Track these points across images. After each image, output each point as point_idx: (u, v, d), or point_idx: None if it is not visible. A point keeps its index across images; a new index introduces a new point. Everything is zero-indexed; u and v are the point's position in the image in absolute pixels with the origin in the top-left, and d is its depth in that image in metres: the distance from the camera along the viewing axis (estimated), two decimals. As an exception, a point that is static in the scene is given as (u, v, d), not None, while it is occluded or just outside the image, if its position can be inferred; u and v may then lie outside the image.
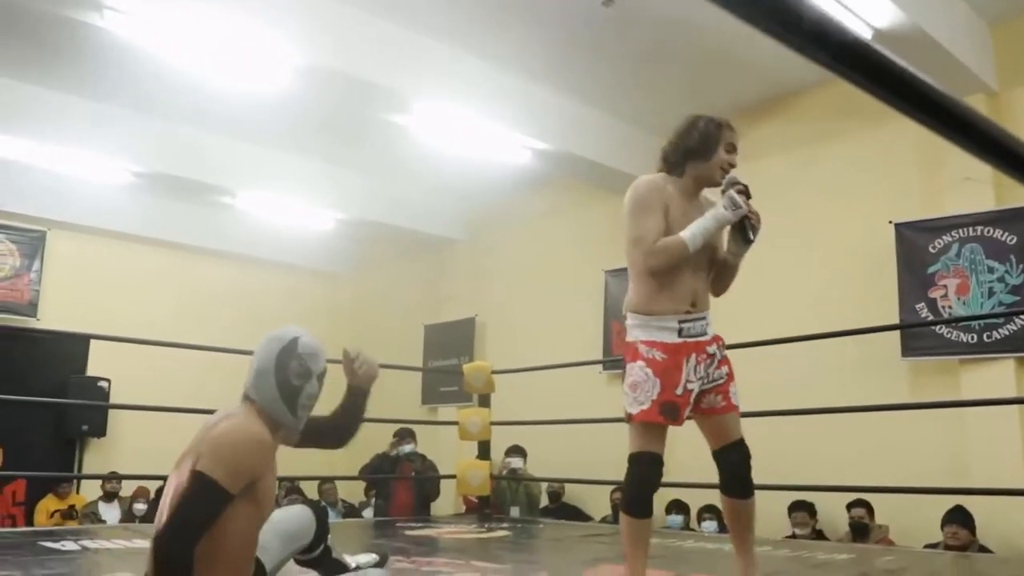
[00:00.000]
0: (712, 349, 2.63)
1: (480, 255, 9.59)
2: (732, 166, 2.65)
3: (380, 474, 6.98)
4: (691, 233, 2.53)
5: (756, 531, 5.28)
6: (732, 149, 2.65)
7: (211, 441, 2.06)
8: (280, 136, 7.71)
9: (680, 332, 2.56)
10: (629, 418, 2.56)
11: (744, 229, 2.62)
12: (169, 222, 9.01)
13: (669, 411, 2.52)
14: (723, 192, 2.62)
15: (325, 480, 8.21)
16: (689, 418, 2.65)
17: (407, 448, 6.95)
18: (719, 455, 2.71)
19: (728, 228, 2.66)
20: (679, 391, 2.53)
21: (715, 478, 5.90)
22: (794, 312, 6.12)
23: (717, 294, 2.80)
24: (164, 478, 7.01)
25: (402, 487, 6.94)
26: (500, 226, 9.36)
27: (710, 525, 6.18)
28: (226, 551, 2.04)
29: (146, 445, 8.29)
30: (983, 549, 4.95)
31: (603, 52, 6.16)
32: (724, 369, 2.66)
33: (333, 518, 7.81)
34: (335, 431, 2.61)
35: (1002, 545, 5.06)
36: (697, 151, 2.63)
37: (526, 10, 5.66)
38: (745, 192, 2.61)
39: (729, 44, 5.55)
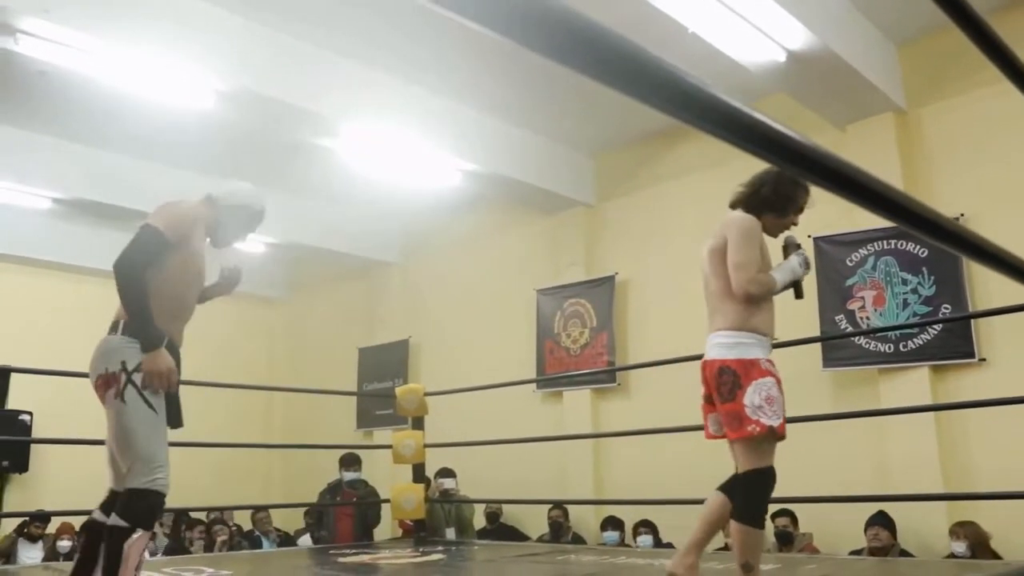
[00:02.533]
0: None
1: (413, 277, 9.58)
2: (795, 224, 2.96)
3: (324, 503, 6.90)
4: (778, 277, 2.85)
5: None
6: (800, 211, 2.94)
7: (159, 208, 2.85)
8: (206, 160, 7.59)
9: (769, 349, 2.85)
10: (768, 432, 2.71)
11: (798, 286, 2.94)
12: (91, 249, 8.75)
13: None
14: (784, 248, 2.95)
15: (259, 509, 8.06)
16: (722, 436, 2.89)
17: (351, 475, 6.88)
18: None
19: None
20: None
21: (648, 494, 5.97)
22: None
23: None
24: (90, 513, 6.62)
25: (344, 515, 6.85)
26: (433, 248, 9.36)
27: (645, 540, 6.23)
28: (167, 296, 2.76)
29: (71, 479, 8.05)
30: (904, 553, 5.10)
31: (531, 73, 6.23)
32: None
33: (267, 547, 7.70)
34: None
35: (921, 548, 5.22)
36: (775, 204, 2.90)
37: (452, 33, 5.70)
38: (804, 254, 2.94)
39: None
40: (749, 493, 2.74)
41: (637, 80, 0.59)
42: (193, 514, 7.68)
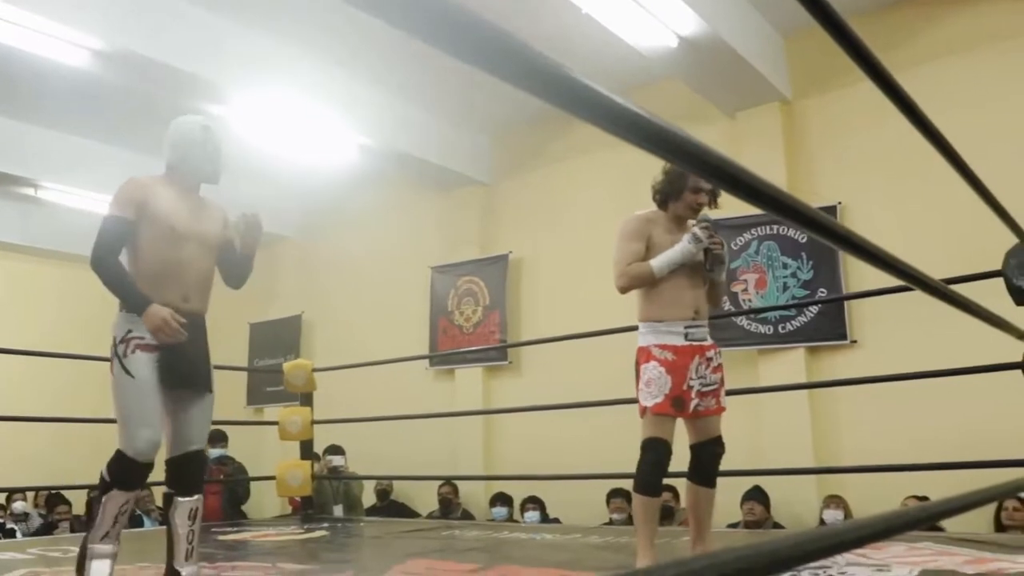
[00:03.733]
0: (711, 354, 3.03)
1: (309, 252, 9.40)
2: (700, 204, 3.05)
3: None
4: (659, 263, 2.97)
5: (576, 518, 5.47)
6: (696, 191, 3.03)
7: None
8: (84, 123, 7.25)
9: (686, 336, 2.98)
10: (643, 412, 2.95)
11: (707, 260, 3.04)
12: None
13: (678, 404, 2.92)
14: (693, 226, 3.05)
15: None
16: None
17: (217, 452, 6.74)
18: (697, 448, 3.05)
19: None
20: (685, 387, 2.93)
21: (537, 471, 6.04)
22: (602, 305, 6.36)
23: (714, 306, 3.27)
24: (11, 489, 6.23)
25: (210, 493, 6.69)
26: (329, 223, 9.20)
27: (532, 515, 6.32)
28: (147, 261, 2.81)
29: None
30: (776, 525, 5.33)
31: (430, 50, 6.14)
32: (718, 375, 3.05)
33: (149, 526, 7.46)
34: (234, 270, 3.19)
35: (793, 521, 5.46)
36: (670, 193, 3.08)
37: (350, 6, 5.57)
38: (709, 228, 3.01)
39: (552, 48, 5.69)
40: (639, 463, 2.96)
41: (520, 72, 0.60)
42: (66, 493, 7.39)
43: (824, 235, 1.08)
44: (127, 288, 2.76)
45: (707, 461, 3.06)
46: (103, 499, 2.72)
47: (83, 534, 2.83)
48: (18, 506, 7.52)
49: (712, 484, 3.09)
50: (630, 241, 3.03)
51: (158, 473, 2.86)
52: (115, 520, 2.73)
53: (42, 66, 5.59)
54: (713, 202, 3.08)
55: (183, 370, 2.83)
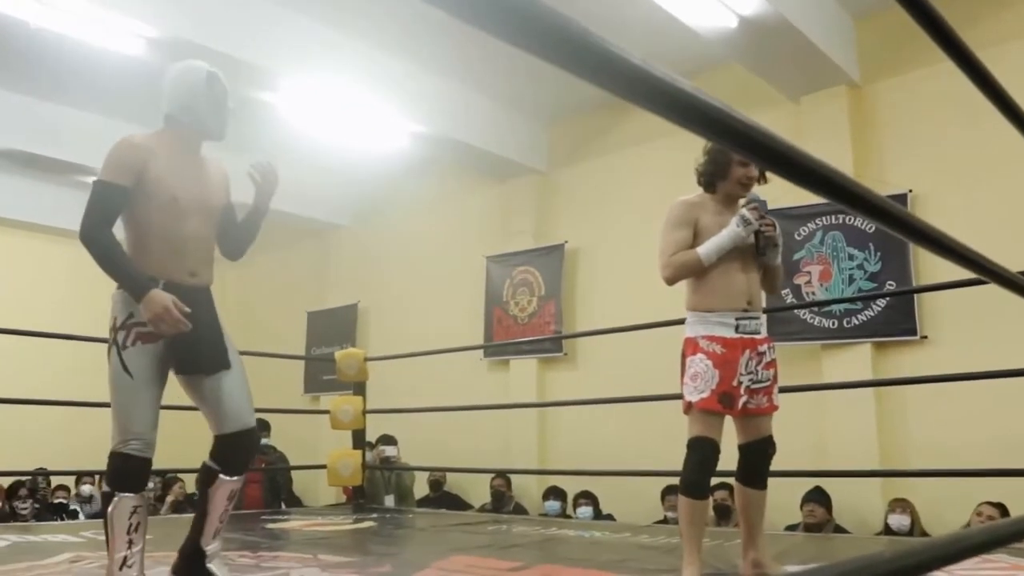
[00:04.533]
0: (763, 348, 2.84)
1: (364, 241, 9.40)
2: (751, 177, 2.86)
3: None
4: (706, 249, 2.80)
5: (629, 514, 5.33)
6: (745, 164, 2.85)
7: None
8: (139, 111, 7.29)
9: (737, 328, 2.80)
10: (689, 407, 2.79)
11: (758, 243, 2.85)
12: (26, 202, 8.48)
13: (727, 400, 2.74)
14: (742, 207, 2.86)
15: (171, 472, 7.81)
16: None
17: (260, 441, 6.77)
18: (746, 448, 2.89)
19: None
20: (735, 383, 2.75)
21: (591, 465, 5.92)
22: (660, 296, 6.19)
23: (770, 292, 3.11)
24: (25, 473, 6.52)
25: (251, 482, 6.73)
26: (384, 211, 9.19)
27: (585, 511, 6.20)
28: (147, 236, 2.54)
29: (2, 439, 7.85)
30: (839, 528, 5.11)
31: (483, 36, 6.04)
32: (771, 371, 2.86)
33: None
34: (236, 237, 2.91)
35: (857, 524, 5.23)
36: (716, 173, 2.89)
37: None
38: (759, 209, 2.83)
39: (608, 31, 5.54)
40: (684, 463, 2.80)
41: (575, 58, 0.57)
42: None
43: (895, 227, 1.01)
44: (123, 267, 2.47)
45: (756, 462, 2.88)
46: (109, 512, 2.47)
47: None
48: (85, 489, 7.68)
49: (763, 486, 2.91)
50: (675, 229, 2.86)
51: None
52: (129, 538, 2.46)
53: (97, 54, 5.66)
54: (763, 176, 2.89)
55: (197, 354, 2.59)
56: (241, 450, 2.72)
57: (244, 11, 5.57)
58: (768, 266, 2.95)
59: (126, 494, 2.47)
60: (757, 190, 2.93)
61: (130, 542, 2.46)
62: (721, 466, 2.83)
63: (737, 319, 2.80)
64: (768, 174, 2.90)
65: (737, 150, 0.74)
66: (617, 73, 0.59)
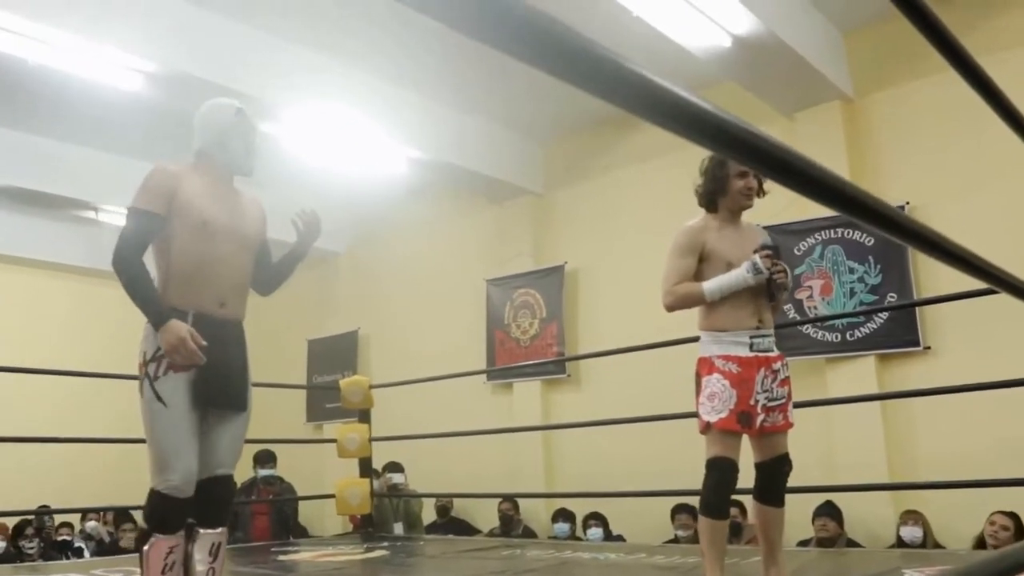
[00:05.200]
0: (777, 366, 2.87)
1: (362, 267, 9.41)
2: (750, 188, 2.90)
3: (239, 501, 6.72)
4: (712, 286, 2.82)
5: (640, 534, 5.31)
6: (743, 175, 2.89)
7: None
8: (137, 145, 7.34)
9: (751, 347, 2.82)
10: (707, 427, 2.79)
11: (770, 289, 2.88)
12: (26, 239, 8.45)
13: (745, 419, 2.75)
14: (754, 252, 2.86)
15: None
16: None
17: (265, 472, 6.72)
18: (762, 466, 2.90)
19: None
20: (752, 401, 2.76)
21: (599, 486, 5.91)
22: (662, 315, 6.21)
23: (774, 314, 3.07)
24: (22, 513, 6.39)
25: (259, 513, 6.68)
26: (382, 237, 9.20)
27: (595, 532, 6.18)
28: (176, 261, 2.53)
29: (4, 478, 7.80)
30: (851, 543, 5.10)
31: (479, 59, 6.10)
32: (785, 389, 2.88)
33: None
34: (269, 274, 2.95)
35: (868, 538, 5.23)
36: (716, 190, 2.93)
37: (397, 17, 5.55)
38: (772, 256, 2.84)
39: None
40: (703, 483, 2.82)
41: (579, 69, 0.57)
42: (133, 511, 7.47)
43: (903, 235, 1.00)
44: (147, 295, 2.47)
45: (774, 480, 2.90)
46: (145, 550, 2.44)
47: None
48: (90, 525, 7.63)
49: (780, 503, 2.93)
50: (680, 256, 2.90)
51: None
52: (169, 566, 2.44)
53: (95, 90, 5.68)
54: (761, 189, 2.94)
55: (218, 389, 2.55)
56: (217, 497, 2.60)
57: (242, 43, 5.62)
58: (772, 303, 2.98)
59: (163, 536, 2.44)
60: (758, 219, 2.98)
61: None
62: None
63: (751, 337, 2.83)
64: (767, 187, 2.95)
65: (745, 161, 0.74)
66: (625, 86, 0.59)
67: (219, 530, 2.60)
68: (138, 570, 2.52)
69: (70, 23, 4.81)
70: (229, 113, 2.72)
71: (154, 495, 2.45)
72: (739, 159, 0.74)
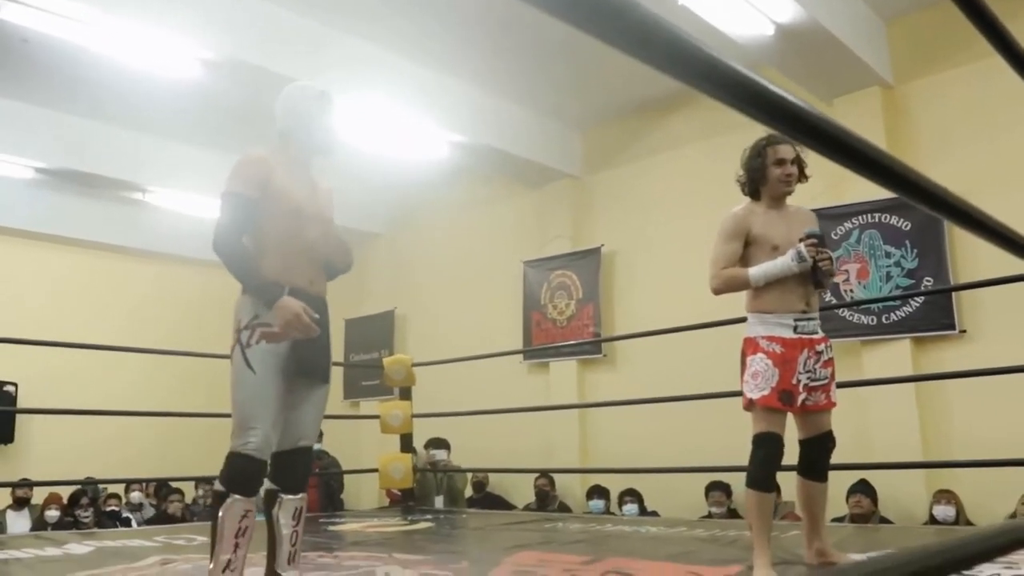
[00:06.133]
0: (821, 348, 2.96)
1: (400, 248, 9.58)
2: (788, 175, 2.98)
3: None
4: (758, 272, 2.92)
5: (674, 510, 5.43)
6: (780, 163, 2.98)
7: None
8: (189, 129, 7.55)
9: (796, 329, 2.91)
10: (750, 404, 2.90)
11: (816, 276, 2.93)
12: (76, 219, 8.69)
13: (786, 398, 2.86)
14: (799, 240, 2.93)
15: (212, 480, 8.04)
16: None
17: (313, 458, 6.93)
18: (807, 443, 3.02)
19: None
20: (794, 380, 2.86)
21: (633, 463, 6.04)
22: (697, 296, 6.32)
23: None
24: (78, 482, 6.65)
25: (309, 485, 6.91)
26: (420, 219, 9.37)
27: (631, 508, 6.33)
28: (272, 244, 2.61)
29: (57, 450, 8.09)
30: (884, 520, 5.22)
31: (519, 45, 6.22)
32: (829, 370, 2.97)
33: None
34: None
35: (901, 515, 5.34)
36: (757, 180, 3.03)
37: (440, 4, 5.67)
38: (818, 243, 2.91)
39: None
40: (750, 458, 2.91)
41: (639, 39, 0.58)
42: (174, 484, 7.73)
43: (947, 211, 1.02)
44: (254, 274, 2.55)
45: (817, 456, 3.01)
46: (220, 514, 2.47)
47: (195, 522, 2.58)
48: (135, 496, 7.90)
49: (824, 479, 3.04)
50: (726, 241, 3.00)
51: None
52: (235, 542, 2.47)
53: (155, 79, 5.86)
54: (803, 174, 3.03)
55: (307, 360, 2.62)
56: (299, 466, 2.71)
57: (293, 32, 5.77)
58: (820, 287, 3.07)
59: (239, 497, 2.49)
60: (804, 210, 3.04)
61: (236, 545, 2.47)
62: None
63: (796, 320, 2.91)
64: (808, 173, 3.05)
65: (799, 138, 0.77)
66: (687, 61, 0.61)
67: (300, 495, 2.71)
68: (201, 537, 2.53)
69: (130, 11, 4.97)
70: (312, 95, 2.79)
71: (235, 456, 2.52)
72: (790, 134, 0.76)
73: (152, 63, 5.51)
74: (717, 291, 3.01)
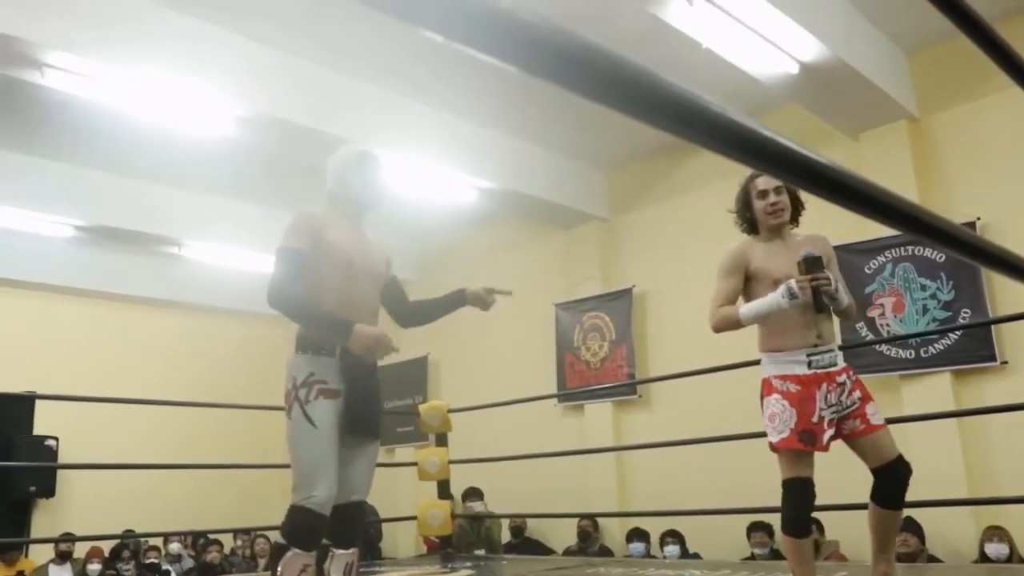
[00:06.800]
0: (842, 379, 2.83)
1: (431, 294, 9.54)
2: (773, 205, 2.96)
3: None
4: (747, 312, 2.88)
5: (716, 550, 5.37)
6: (763, 195, 2.98)
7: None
8: (225, 184, 7.70)
9: (810, 364, 2.82)
10: (773, 448, 2.83)
11: (817, 301, 2.82)
12: (114, 274, 8.86)
13: (807, 438, 2.75)
14: (798, 263, 2.85)
15: (250, 531, 7.98)
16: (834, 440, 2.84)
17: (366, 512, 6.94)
18: (878, 472, 2.85)
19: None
20: (815, 419, 2.75)
21: (672, 504, 5.97)
22: (731, 335, 6.28)
23: (849, 322, 3.14)
24: (118, 537, 6.73)
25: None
26: (450, 264, 9.42)
27: (672, 550, 6.25)
28: (323, 296, 2.66)
29: (97, 502, 8.16)
30: (932, 558, 5.10)
31: (543, 90, 6.29)
32: (856, 394, 2.84)
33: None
34: (411, 309, 3.33)
35: (950, 553, 5.22)
36: (745, 216, 3.06)
37: (463, 53, 5.77)
38: (813, 266, 2.81)
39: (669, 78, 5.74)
40: (782, 504, 2.84)
41: (638, 100, 0.57)
42: (212, 536, 7.76)
43: (969, 253, 1.01)
44: (323, 315, 2.62)
45: (890, 485, 2.83)
46: (279, 568, 2.50)
47: (235, 574, 2.65)
48: (174, 547, 7.93)
49: (897, 507, 2.86)
50: (723, 279, 2.98)
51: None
52: None
53: (190, 135, 6.01)
54: (796, 202, 3.00)
55: (360, 416, 2.68)
56: (351, 520, 2.73)
57: (325, 88, 5.92)
58: (837, 310, 2.96)
59: (300, 551, 2.51)
60: (806, 240, 2.98)
61: None
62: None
63: (809, 355, 2.82)
64: (804, 200, 3.02)
65: (805, 186, 0.75)
66: (682, 113, 0.60)
67: (352, 550, 2.74)
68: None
69: (166, 72, 5.12)
70: (352, 154, 2.92)
71: (298, 511, 2.54)
72: (797, 183, 0.76)
73: (187, 122, 5.66)
74: (716, 329, 2.98)
